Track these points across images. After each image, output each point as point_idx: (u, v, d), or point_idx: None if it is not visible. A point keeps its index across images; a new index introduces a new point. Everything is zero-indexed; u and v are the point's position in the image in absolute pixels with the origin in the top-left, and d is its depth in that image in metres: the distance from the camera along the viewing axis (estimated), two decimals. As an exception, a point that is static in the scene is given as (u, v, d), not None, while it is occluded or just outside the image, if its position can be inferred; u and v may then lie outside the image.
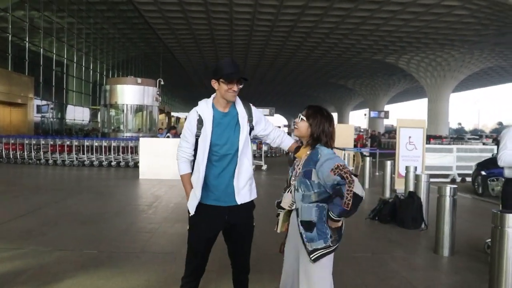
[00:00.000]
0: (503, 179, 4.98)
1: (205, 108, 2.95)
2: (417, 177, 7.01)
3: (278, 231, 2.87)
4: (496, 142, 24.85)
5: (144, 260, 4.81)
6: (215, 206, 2.92)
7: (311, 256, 2.58)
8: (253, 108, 3.08)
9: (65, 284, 3.97)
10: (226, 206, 2.93)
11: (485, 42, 32.18)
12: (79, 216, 6.98)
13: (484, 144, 25.52)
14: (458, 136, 39.73)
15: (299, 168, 2.71)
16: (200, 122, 2.92)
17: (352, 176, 2.47)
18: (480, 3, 23.73)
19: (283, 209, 2.83)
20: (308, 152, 2.72)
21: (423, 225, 6.68)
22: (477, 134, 47.38)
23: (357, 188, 2.45)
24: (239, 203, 2.93)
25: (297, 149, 2.88)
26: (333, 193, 2.53)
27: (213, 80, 2.93)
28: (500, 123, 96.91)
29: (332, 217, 2.53)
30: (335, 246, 2.64)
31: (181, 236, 5.86)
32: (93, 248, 5.20)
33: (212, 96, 3.02)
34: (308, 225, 2.59)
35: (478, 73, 45.07)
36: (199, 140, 2.92)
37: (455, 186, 5.38)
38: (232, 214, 2.94)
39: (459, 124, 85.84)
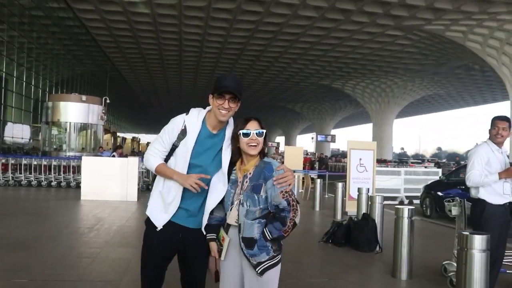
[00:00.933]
0: (460, 200, 4.95)
1: (194, 120, 2.65)
2: (371, 199, 6.93)
3: (223, 258, 2.57)
4: (438, 166, 25.82)
5: (82, 289, 4.32)
6: (171, 221, 2.64)
7: (257, 269, 2.44)
8: None
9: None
10: (181, 225, 2.66)
11: (425, 71, 33.69)
12: (9, 241, 6.29)
13: (426, 167, 26.39)
14: (402, 160, 41.02)
15: (246, 182, 2.50)
16: (183, 133, 2.62)
17: (297, 204, 2.43)
18: (421, 34, 24.84)
19: (215, 232, 2.59)
20: (255, 165, 2.52)
21: (377, 248, 6.55)
22: (419, 159, 49.24)
23: (298, 217, 2.43)
24: (194, 227, 2.65)
25: (233, 163, 2.63)
26: (275, 216, 2.45)
27: (209, 94, 2.63)
28: (439, 148, 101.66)
29: (268, 237, 2.44)
30: (279, 257, 2.51)
31: (124, 261, 5.39)
32: (23, 276, 4.63)
33: (207, 108, 2.71)
34: (249, 242, 2.45)
35: (419, 100, 47.07)
36: (177, 152, 2.64)
37: (413, 207, 5.28)
38: (186, 235, 2.66)
39: (402, 148, 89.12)
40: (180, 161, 2.62)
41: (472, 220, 4.51)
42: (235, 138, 2.56)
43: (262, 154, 2.57)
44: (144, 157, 2.80)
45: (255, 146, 2.50)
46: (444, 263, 5.28)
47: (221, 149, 2.65)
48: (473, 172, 4.28)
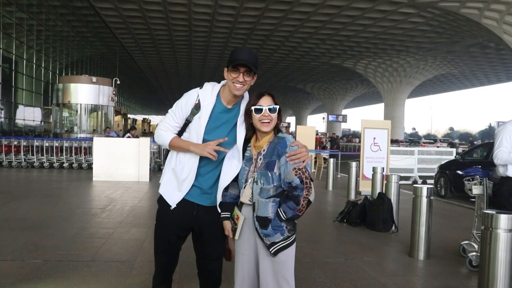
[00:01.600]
0: (480, 179, 4.80)
1: (208, 95, 2.53)
2: (387, 178, 6.78)
3: (237, 237, 2.48)
4: (452, 145, 25.52)
5: (96, 270, 4.27)
6: (185, 199, 2.56)
7: (270, 250, 2.36)
8: None
9: (0, 301, 3.39)
10: (195, 203, 2.57)
11: (438, 50, 33.06)
12: (23, 222, 6.28)
13: (438, 147, 26.09)
14: (414, 140, 40.64)
15: (260, 159, 2.41)
16: (196, 108, 2.51)
17: (311, 182, 2.33)
18: (434, 12, 24.27)
19: (229, 211, 2.52)
20: (269, 142, 2.42)
21: (393, 228, 6.44)
22: (431, 139, 48.78)
23: (312, 195, 2.36)
24: (208, 204, 2.58)
25: (247, 140, 2.53)
26: (288, 195, 2.37)
27: (225, 68, 2.50)
28: (451, 129, 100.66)
29: (282, 217, 2.36)
30: (294, 237, 2.44)
31: (137, 241, 5.35)
32: (37, 257, 4.60)
33: (222, 82, 2.59)
34: (263, 222, 2.37)
35: (432, 80, 46.39)
36: (191, 127, 2.54)
37: (431, 186, 5.14)
38: (200, 213, 2.58)
39: (414, 129, 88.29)
40: (194, 137, 2.52)
41: (497, 199, 4.38)
42: (248, 114, 2.45)
43: (277, 130, 2.46)
44: (155, 133, 2.69)
45: (268, 122, 2.39)
46: (462, 243, 5.16)
47: (235, 124, 2.54)
48: (501, 149, 4.16)
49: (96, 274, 4.12)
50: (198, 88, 2.59)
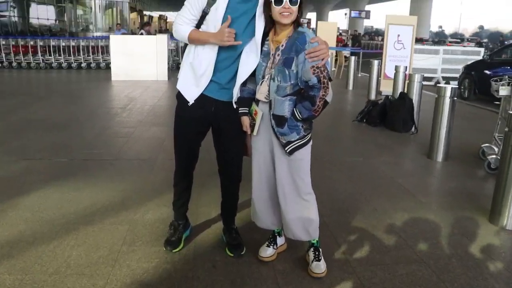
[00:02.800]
0: (509, 79, 4.63)
1: None
2: (410, 77, 6.60)
3: (255, 133, 2.48)
4: (480, 45, 24.46)
5: (119, 167, 4.42)
6: (203, 94, 2.52)
7: (286, 148, 2.37)
8: None
9: (32, 198, 3.56)
10: (214, 98, 2.53)
11: None
12: (47, 122, 6.43)
13: (464, 47, 24.96)
14: (440, 39, 39.01)
15: (278, 55, 2.30)
16: None
17: (329, 82, 2.24)
18: None
19: (247, 106, 2.48)
20: (288, 36, 2.29)
21: (413, 129, 6.41)
22: (458, 38, 46.71)
23: (329, 96, 2.28)
24: (227, 100, 2.53)
25: (265, 33, 2.40)
26: (304, 95, 2.30)
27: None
28: (481, 27, 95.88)
29: (298, 117, 2.32)
30: (309, 135, 2.43)
31: (158, 140, 5.48)
32: (63, 156, 4.76)
33: None
34: (279, 120, 2.33)
35: (464, -29, 43.33)
36: (208, 18, 2.41)
37: (456, 86, 4.99)
38: (219, 108, 2.54)
39: (440, 27, 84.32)
40: (211, 29, 2.41)
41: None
42: (267, 5, 2.29)
43: (297, 23, 2.32)
44: (172, 28, 2.57)
45: (288, 15, 2.24)
46: (483, 146, 5.11)
47: (254, 16, 2.40)
48: None
49: (120, 172, 4.27)
50: None
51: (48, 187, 3.80)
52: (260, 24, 2.37)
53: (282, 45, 2.31)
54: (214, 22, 2.38)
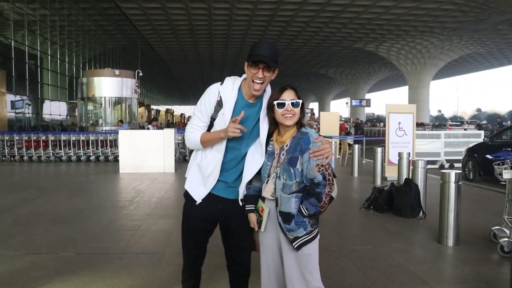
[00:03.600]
0: (511, 163, 4.69)
1: (229, 90, 2.51)
2: (414, 163, 6.69)
3: (263, 229, 2.50)
4: (480, 127, 24.94)
5: (126, 262, 4.36)
6: (210, 193, 2.59)
7: (293, 244, 2.37)
8: None
9: (37, 294, 3.50)
10: (220, 196, 2.59)
11: (464, 29, 32.17)
12: (54, 215, 6.45)
13: (465, 130, 25.55)
14: (440, 123, 39.88)
15: (283, 155, 2.40)
16: (219, 105, 2.51)
17: (333, 179, 2.32)
18: (460, -11, 23.65)
19: (254, 203, 2.53)
20: (292, 137, 2.40)
21: (421, 214, 6.37)
22: (458, 121, 47.75)
23: (334, 191, 2.36)
24: (234, 198, 2.59)
25: (270, 134, 2.51)
26: (310, 192, 2.36)
27: (245, 62, 2.47)
28: (479, 110, 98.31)
29: (304, 213, 2.36)
30: (316, 230, 2.44)
31: (166, 233, 5.44)
32: (70, 250, 4.73)
33: (243, 76, 2.56)
34: (286, 217, 2.37)
35: (457, 60, 45.27)
36: (215, 124, 2.54)
37: (460, 171, 5.05)
38: (225, 206, 2.59)
39: (439, 111, 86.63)
40: (220, 128, 2.51)
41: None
42: (270, 108, 2.43)
43: (300, 124, 2.44)
44: (185, 138, 2.68)
45: (291, 116, 2.38)
46: (493, 228, 5.05)
47: (259, 119, 2.53)
48: None
49: (127, 266, 4.21)
50: (219, 84, 2.57)
51: (54, 283, 3.74)
52: (264, 126, 2.49)
53: (287, 145, 2.40)
54: (221, 126, 2.49)
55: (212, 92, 2.56)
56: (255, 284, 2.73)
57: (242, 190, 2.55)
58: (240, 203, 2.56)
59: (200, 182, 2.60)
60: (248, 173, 2.51)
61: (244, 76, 2.55)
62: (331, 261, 4.33)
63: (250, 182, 2.54)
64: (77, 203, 7.47)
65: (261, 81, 2.41)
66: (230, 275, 2.79)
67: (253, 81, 2.41)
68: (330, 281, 3.75)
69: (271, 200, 2.43)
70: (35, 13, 27.80)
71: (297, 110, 2.39)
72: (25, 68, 27.00)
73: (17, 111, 25.77)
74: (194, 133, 2.58)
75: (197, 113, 2.59)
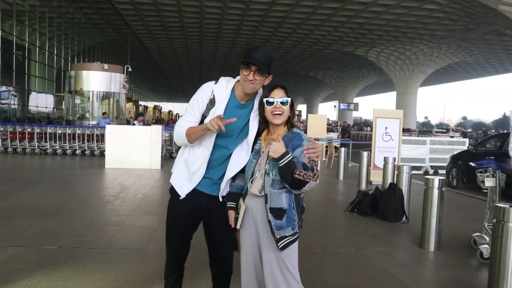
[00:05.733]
0: (493, 171, 4.78)
1: (223, 90, 2.55)
2: (398, 168, 6.77)
3: (238, 226, 2.53)
4: (465, 135, 25.29)
5: (110, 257, 4.35)
6: (195, 189, 2.62)
7: (278, 244, 2.37)
8: None
9: (17, 287, 3.47)
10: (205, 193, 2.62)
11: (452, 37, 32.60)
12: (38, 209, 6.40)
13: (451, 137, 25.87)
14: (426, 129, 40.33)
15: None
16: (211, 103, 2.54)
17: (318, 175, 2.33)
18: (450, -2, 23.93)
19: (235, 201, 2.57)
20: (283, 135, 2.43)
21: (404, 218, 6.45)
22: (444, 128, 48.32)
23: (311, 185, 2.31)
24: (220, 196, 2.62)
25: (259, 133, 2.55)
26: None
27: (241, 64, 2.50)
28: (464, 118, 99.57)
29: (289, 169, 2.26)
30: (298, 233, 2.45)
31: (150, 229, 5.43)
32: (53, 243, 4.70)
33: (237, 78, 2.59)
34: (278, 213, 2.37)
35: (445, 68, 45.85)
36: (205, 121, 2.53)
37: (443, 177, 5.13)
38: (209, 202, 2.62)
39: (426, 117, 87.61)
40: (208, 132, 2.54)
41: (510, 192, 4.35)
42: (261, 106, 2.47)
43: (290, 124, 2.48)
44: (174, 132, 2.69)
45: (280, 114, 2.41)
46: (473, 235, 5.15)
47: (249, 120, 2.56)
48: None
49: (110, 261, 4.20)
50: (213, 83, 2.61)
51: (36, 275, 3.72)
52: (253, 126, 2.53)
53: (278, 141, 2.42)
54: None
55: (206, 90, 2.59)
56: (237, 283, 2.76)
57: (223, 186, 2.58)
58: (220, 199, 2.60)
59: (186, 178, 2.63)
60: (232, 170, 2.54)
61: (238, 78, 2.59)
62: (314, 263, 4.37)
63: (233, 180, 2.58)
64: (61, 197, 7.42)
65: (251, 83, 2.44)
66: (212, 273, 2.81)
67: (244, 81, 2.45)
68: (313, 282, 3.80)
69: (260, 197, 2.44)
70: (24, 3, 27.46)
71: (286, 108, 2.42)
72: (12, 59, 26.65)
73: (3, 101, 25.44)
74: (181, 128, 2.60)
75: (189, 109, 2.62)
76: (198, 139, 2.56)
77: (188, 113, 2.63)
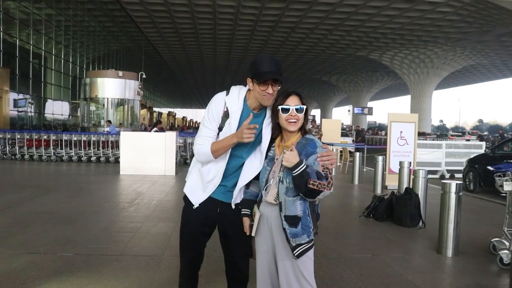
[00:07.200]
0: (513, 175, 4.68)
1: (235, 101, 2.52)
2: (414, 173, 6.68)
3: (253, 234, 2.51)
4: (481, 138, 24.92)
5: (125, 264, 4.35)
6: (209, 196, 2.60)
7: (294, 252, 2.34)
8: None
9: (34, 293, 3.49)
10: (219, 200, 2.60)
11: (467, 40, 32.28)
12: (54, 215, 6.45)
13: (467, 140, 25.55)
14: (442, 133, 39.88)
15: None
16: (226, 115, 2.52)
17: (331, 183, 2.29)
18: (464, 0, 23.68)
19: (249, 208, 2.54)
20: (296, 142, 2.40)
21: (421, 223, 6.35)
22: (459, 131, 47.77)
23: (325, 194, 2.28)
24: (233, 203, 2.59)
25: (272, 140, 2.53)
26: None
27: (248, 78, 2.48)
28: (480, 121, 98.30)
29: (302, 179, 2.22)
30: (314, 240, 2.42)
31: (165, 236, 5.43)
32: (68, 250, 4.72)
33: (248, 87, 2.55)
34: (293, 220, 2.34)
35: (460, 71, 45.41)
36: (221, 134, 2.53)
37: (460, 182, 5.04)
38: (224, 209, 2.60)
39: (441, 121, 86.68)
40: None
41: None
42: (274, 113, 2.44)
43: (303, 131, 2.45)
44: (194, 151, 2.63)
45: (295, 122, 2.38)
46: (492, 240, 5.04)
47: (262, 128, 2.54)
48: None
49: (125, 269, 4.20)
50: (224, 94, 2.57)
51: (51, 283, 3.73)
52: (266, 134, 2.51)
53: (291, 150, 2.39)
54: (229, 133, 2.50)
55: (218, 103, 2.55)
56: (253, 290, 2.73)
57: (236, 194, 2.56)
58: (233, 206, 2.57)
59: (200, 187, 2.61)
60: (244, 178, 2.53)
61: (248, 86, 2.56)
62: (330, 269, 4.31)
63: (247, 187, 2.56)
64: (77, 204, 7.47)
65: (272, 95, 2.43)
66: (228, 280, 2.78)
67: (263, 96, 2.42)
68: (328, 289, 3.75)
69: (274, 205, 2.42)
70: (40, 12, 27.93)
71: (301, 115, 2.40)
72: (29, 67, 27.11)
73: (20, 109, 25.84)
74: (203, 145, 2.53)
75: (206, 124, 2.56)
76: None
77: (205, 128, 2.56)
